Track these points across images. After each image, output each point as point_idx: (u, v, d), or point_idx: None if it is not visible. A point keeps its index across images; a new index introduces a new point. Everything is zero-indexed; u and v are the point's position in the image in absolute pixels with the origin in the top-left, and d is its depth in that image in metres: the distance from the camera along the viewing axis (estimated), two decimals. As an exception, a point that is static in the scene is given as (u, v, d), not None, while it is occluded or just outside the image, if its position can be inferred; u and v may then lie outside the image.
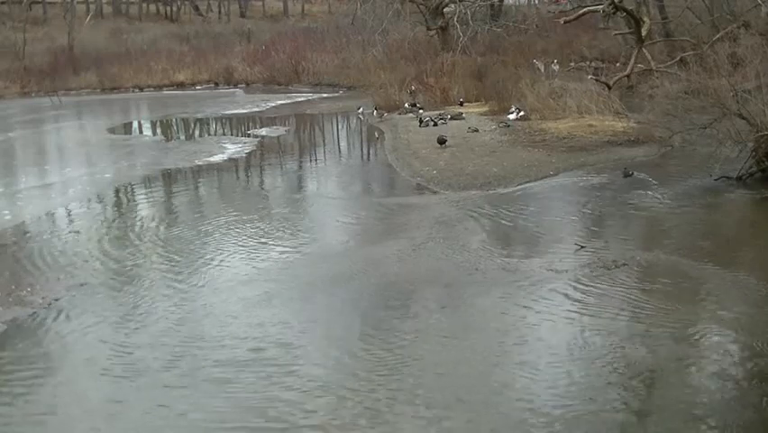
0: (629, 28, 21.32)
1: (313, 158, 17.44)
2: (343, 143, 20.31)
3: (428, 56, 27.66)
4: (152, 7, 54.51)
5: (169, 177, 15.02)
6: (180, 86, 37.02)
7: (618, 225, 10.18)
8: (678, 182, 11.90)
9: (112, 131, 22.96)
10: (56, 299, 7.90)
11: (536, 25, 31.54)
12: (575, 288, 7.59)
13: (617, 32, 24.45)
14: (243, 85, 36.99)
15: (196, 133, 22.99)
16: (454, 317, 7.10)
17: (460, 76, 24.03)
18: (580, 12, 20.71)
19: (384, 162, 15.66)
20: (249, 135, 20.79)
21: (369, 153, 18.19)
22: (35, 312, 7.59)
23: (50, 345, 6.93)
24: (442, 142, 15.43)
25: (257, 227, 10.53)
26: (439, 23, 29.88)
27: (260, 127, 22.36)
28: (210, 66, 38.38)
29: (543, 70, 22.30)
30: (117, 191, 14.02)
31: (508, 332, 6.69)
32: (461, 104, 21.72)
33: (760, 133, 11.32)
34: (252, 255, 9.23)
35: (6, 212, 12.12)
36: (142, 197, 13.32)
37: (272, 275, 8.45)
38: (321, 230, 10.49)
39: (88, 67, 38.07)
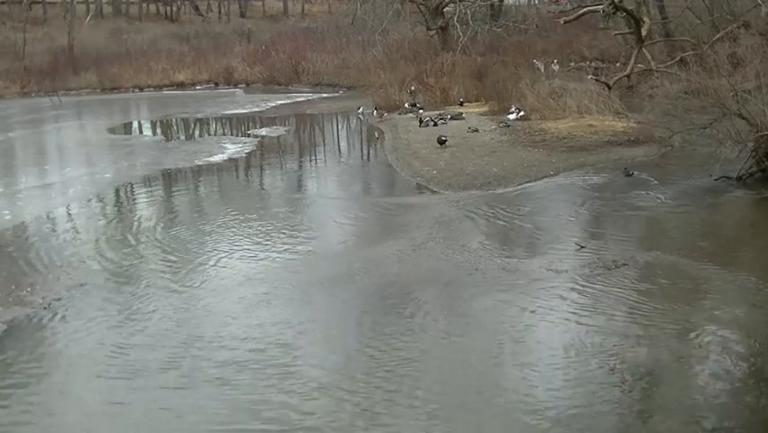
0: (629, 28, 21.32)
1: (313, 158, 17.44)
2: (343, 143, 20.31)
3: (428, 56, 27.65)
4: (152, 7, 54.50)
5: (168, 177, 15.02)
6: (180, 86, 37.02)
7: (618, 225, 10.18)
8: (678, 182, 11.90)
9: (112, 131, 22.96)
10: (56, 300, 7.89)
11: (536, 25, 31.54)
12: (575, 288, 7.59)
13: (617, 32, 24.45)
14: (243, 85, 37.00)
15: (196, 133, 22.99)
16: (454, 317, 7.10)
17: (460, 76, 24.03)
18: (580, 12, 20.71)
19: (384, 162, 15.66)
20: (249, 135, 20.79)
21: (369, 153, 18.19)
22: (35, 312, 7.59)
23: (50, 345, 6.93)
24: (442, 142, 15.43)
25: (257, 227, 10.53)
26: (439, 23, 29.88)
27: (260, 127, 22.36)
28: (210, 66, 38.38)
29: (543, 70, 22.30)
30: (117, 191, 14.02)
31: (508, 332, 6.69)
32: (461, 104, 21.72)
33: (760, 133, 11.31)
34: (252, 255, 9.23)
35: (6, 212, 12.12)
36: (142, 197, 13.32)
37: (272, 275, 8.45)
38: (321, 230, 10.49)
39: (88, 67, 38.07)
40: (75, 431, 5.53)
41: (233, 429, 5.36)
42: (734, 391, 5.53)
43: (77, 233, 10.79)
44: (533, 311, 7.09)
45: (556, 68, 22.67)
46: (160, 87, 36.72)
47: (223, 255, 9.27)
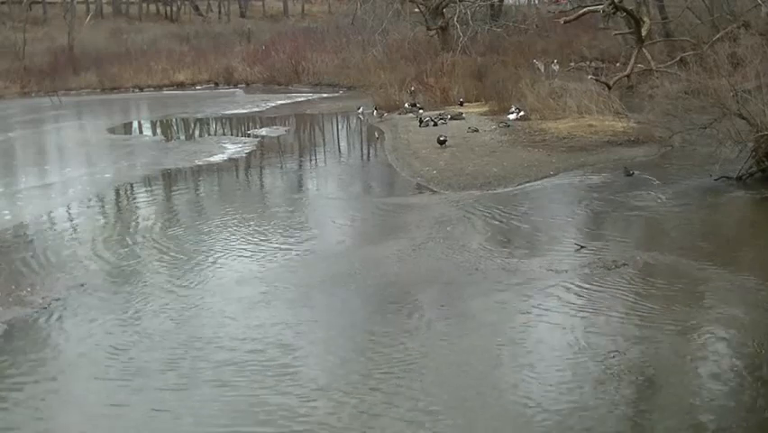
0: (629, 28, 21.32)
1: (313, 158, 17.44)
2: (343, 143, 20.31)
3: (428, 56, 27.65)
4: (152, 7, 54.49)
5: (168, 177, 15.02)
6: (180, 86, 37.02)
7: (618, 225, 10.18)
8: (678, 182, 11.90)
9: (112, 131, 22.96)
10: (56, 300, 7.89)
11: (536, 25, 31.54)
12: (575, 288, 7.58)
13: (617, 32, 24.44)
14: (243, 85, 36.99)
15: (196, 133, 22.99)
16: (454, 317, 7.09)
17: (460, 76, 24.02)
18: (580, 12, 20.71)
19: (384, 162, 15.66)
20: (249, 135, 20.79)
21: (369, 153, 18.19)
22: (35, 312, 7.59)
23: (50, 345, 6.92)
24: (442, 142, 15.43)
25: (257, 227, 10.53)
26: (439, 23, 29.87)
27: (260, 127, 22.36)
28: (210, 66, 38.37)
29: (543, 70, 22.30)
30: (117, 191, 14.02)
31: (508, 332, 6.69)
32: (461, 104, 21.71)
33: (760, 133, 11.31)
34: (252, 255, 9.22)
35: (6, 212, 12.12)
36: (142, 197, 13.32)
37: (272, 275, 8.44)
38: (321, 230, 10.49)
39: (88, 67, 38.06)
40: (74, 432, 5.53)
41: (233, 432, 5.36)
42: (733, 391, 5.53)
43: (77, 233, 10.79)
44: (533, 311, 7.08)
45: (556, 68, 22.67)
46: (160, 87, 36.71)
47: (222, 255, 9.27)
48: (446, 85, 23.32)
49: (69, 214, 12.17)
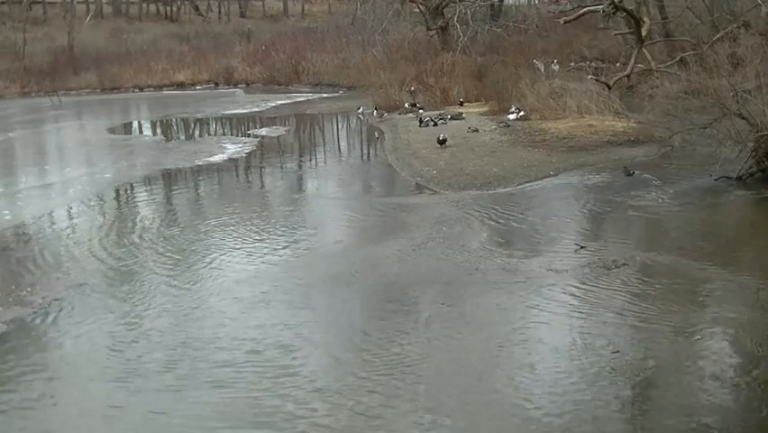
0: (629, 28, 21.31)
1: (313, 158, 17.43)
2: (343, 143, 20.31)
3: (428, 56, 27.65)
4: (152, 7, 54.48)
5: (168, 177, 15.02)
6: (180, 86, 37.00)
7: (618, 225, 10.18)
8: (678, 182, 11.90)
9: (112, 131, 22.96)
10: (56, 299, 7.89)
11: (536, 25, 31.53)
12: (575, 288, 7.58)
13: (617, 32, 24.44)
14: (243, 85, 36.98)
15: (196, 133, 22.99)
16: (454, 317, 7.09)
17: (460, 76, 24.02)
18: (580, 12, 20.71)
19: (384, 162, 15.66)
20: (249, 135, 20.79)
21: (369, 153, 18.19)
22: (35, 312, 7.59)
23: (49, 345, 6.92)
24: (442, 142, 15.43)
25: (256, 227, 10.53)
26: (439, 23, 29.87)
27: (260, 127, 22.36)
28: (210, 66, 38.36)
29: (543, 70, 22.29)
30: (117, 191, 14.02)
31: (508, 333, 6.69)
32: (461, 104, 21.71)
33: (760, 133, 11.31)
34: (252, 256, 9.22)
35: (6, 212, 12.12)
36: (142, 197, 13.32)
37: (271, 276, 8.44)
38: (321, 230, 10.48)
39: (88, 67, 38.05)
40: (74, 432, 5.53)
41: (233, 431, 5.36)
42: (733, 391, 5.53)
43: (77, 233, 10.79)
44: (533, 311, 7.08)
45: (556, 68, 22.66)
46: (160, 87, 36.70)
47: (222, 255, 9.27)
48: (446, 85, 23.32)
49: (69, 214, 12.17)
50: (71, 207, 12.57)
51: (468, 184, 12.55)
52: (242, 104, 29.08)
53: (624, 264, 8.15)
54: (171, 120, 26.26)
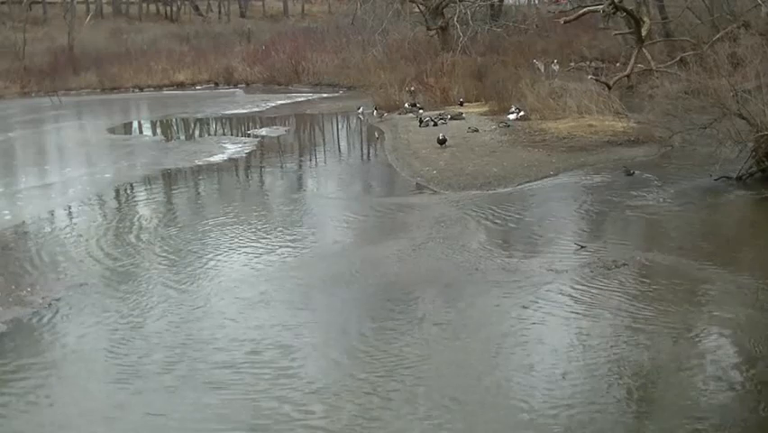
0: (629, 28, 21.30)
1: (313, 158, 17.43)
2: (343, 143, 20.31)
3: (428, 56, 27.64)
4: (152, 7, 54.48)
5: (168, 177, 15.02)
6: (180, 86, 37.00)
7: (618, 225, 10.18)
8: (678, 182, 11.90)
9: (112, 131, 22.96)
10: (56, 300, 7.89)
11: (536, 25, 31.53)
12: (575, 288, 7.58)
13: (617, 32, 24.43)
14: (243, 85, 36.97)
15: (196, 133, 22.99)
16: (454, 317, 7.09)
17: (460, 76, 24.01)
18: (580, 12, 20.69)
19: (384, 162, 15.66)
20: (249, 135, 20.79)
21: (369, 153, 18.19)
22: (35, 312, 7.59)
23: (50, 345, 6.92)
24: (442, 142, 15.42)
25: (256, 228, 10.53)
26: (439, 23, 29.86)
27: (260, 127, 22.36)
28: (210, 66, 38.35)
29: (543, 70, 22.29)
30: (117, 191, 14.02)
31: (508, 333, 6.69)
32: (461, 104, 21.70)
33: (760, 133, 11.31)
34: (252, 256, 9.22)
35: (6, 212, 12.12)
36: (142, 197, 13.32)
37: (271, 276, 8.44)
38: (320, 230, 10.48)
39: (88, 67, 38.05)
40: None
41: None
42: (733, 391, 5.53)
43: (77, 233, 10.78)
44: (533, 312, 7.08)
45: (556, 68, 22.66)
46: (160, 87, 36.70)
47: (222, 255, 9.27)
48: (446, 85, 23.31)
49: (69, 214, 12.17)
50: (71, 208, 12.57)
51: (468, 184, 12.54)
52: (242, 104, 29.08)
53: (624, 264, 8.15)
54: (171, 120, 26.26)
